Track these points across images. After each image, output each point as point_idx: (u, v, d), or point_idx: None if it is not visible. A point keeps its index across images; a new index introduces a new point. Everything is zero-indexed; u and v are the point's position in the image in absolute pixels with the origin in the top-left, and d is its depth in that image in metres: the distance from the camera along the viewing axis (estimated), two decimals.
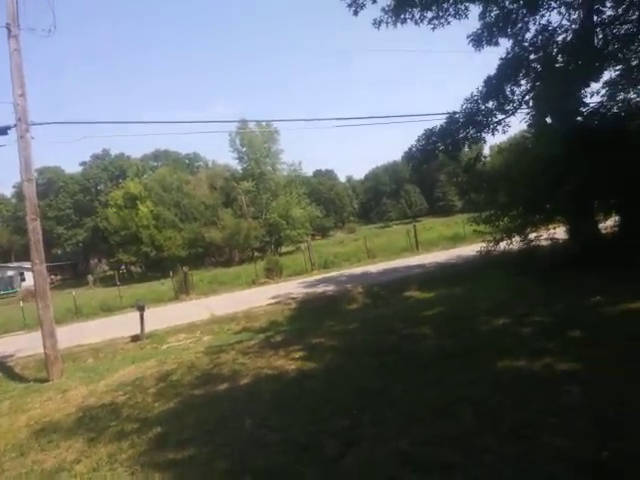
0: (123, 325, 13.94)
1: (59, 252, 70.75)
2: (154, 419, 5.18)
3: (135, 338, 12.10)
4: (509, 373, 4.72)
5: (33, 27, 9.64)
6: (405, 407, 4.30)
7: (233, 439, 4.26)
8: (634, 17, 9.77)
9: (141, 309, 12.03)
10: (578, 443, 3.20)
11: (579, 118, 10.46)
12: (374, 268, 20.32)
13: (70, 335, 12.97)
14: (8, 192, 73.26)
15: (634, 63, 9.90)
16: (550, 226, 11.27)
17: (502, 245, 11.39)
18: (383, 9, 11.31)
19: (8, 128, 9.25)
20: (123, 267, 55.75)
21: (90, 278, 50.09)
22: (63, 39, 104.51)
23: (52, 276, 52.05)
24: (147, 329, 12.16)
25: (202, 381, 6.48)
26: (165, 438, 4.57)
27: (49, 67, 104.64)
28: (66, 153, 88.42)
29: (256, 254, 50.05)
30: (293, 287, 17.84)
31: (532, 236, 11.12)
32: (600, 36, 10.35)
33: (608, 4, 10.29)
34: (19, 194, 55.78)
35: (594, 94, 10.67)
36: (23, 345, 12.97)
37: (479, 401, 4.12)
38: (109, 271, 57.65)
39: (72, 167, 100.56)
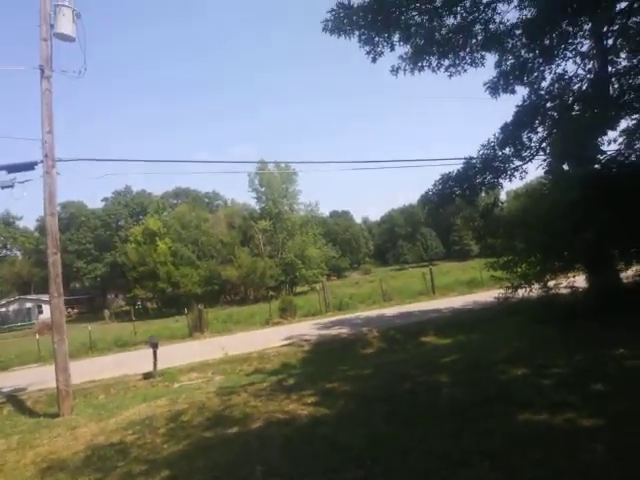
0: (136, 361, 13.93)
1: (77, 286, 71.79)
2: (163, 461, 5.10)
3: (147, 375, 12.06)
4: (528, 426, 4.54)
5: (65, 69, 10.11)
6: (419, 458, 4.15)
7: None
8: None
9: (154, 346, 12.04)
10: None
11: (597, 166, 10.47)
12: (390, 311, 20.12)
13: (83, 370, 12.99)
14: (31, 225, 75.41)
15: None
16: (569, 274, 11.08)
17: (520, 292, 11.20)
18: (401, 57, 11.63)
19: (35, 164, 9.62)
20: (139, 303, 56.14)
21: (106, 313, 50.44)
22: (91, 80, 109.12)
23: (69, 309, 52.64)
24: (160, 366, 12.12)
25: (213, 423, 6.39)
26: None
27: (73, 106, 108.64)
28: (89, 189, 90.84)
29: (271, 293, 49.96)
30: (307, 328, 17.71)
31: (551, 284, 10.93)
32: (616, 85, 10.50)
33: (623, 55, 10.51)
34: (41, 227, 57.16)
35: (611, 142, 10.73)
36: (36, 378, 13.01)
37: (496, 454, 3.97)
38: (125, 306, 58.01)
39: (94, 203, 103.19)
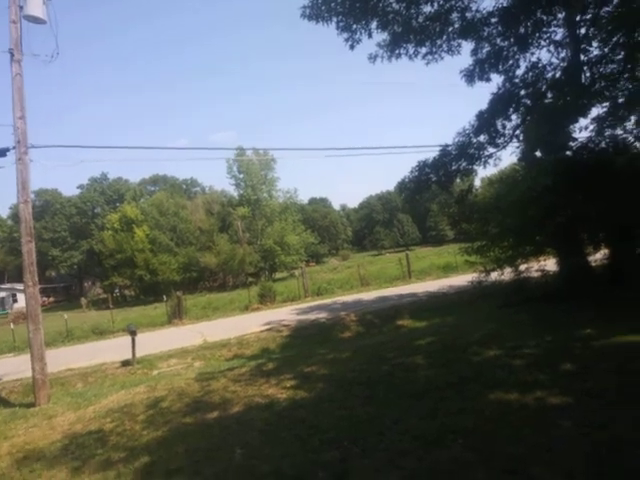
0: (114, 349, 13.83)
1: (53, 274, 70.32)
2: (142, 447, 5.11)
3: (126, 363, 11.99)
4: (500, 405, 4.71)
5: (36, 53, 9.80)
6: (396, 438, 4.28)
7: (222, 470, 4.23)
8: (620, 57, 10.12)
9: (133, 333, 11.96)
10: (570, 479, 3.21)
11: (568, 152, 10.71)
12: (367, 296, 20.33)
13: (60, 359, 12.85)
14: (4, 213, 73.28)
15: (620, 101, 10.19)
16: (541, 258, 11.39)
17: (493, 276, 11.48)
18: (379, 44, 11.66)
19: (7, 150, 9.33)
20: (117, 290, 55.44)
21: (83, 301, 49.70)
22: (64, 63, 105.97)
23: (45, 298, 51.72)
24: (138, 354, 12.06)
25: (192, 409, 6.42)
26: (153, 468, 4.52)
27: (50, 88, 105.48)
28: (64, 176, 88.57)
29: (250, 280, 49.87)
30: (286, 313, 17.80)
31: (523, 267, 11.22)
32: (587, 74, 10.69)
33: (595, 44, 10.68)
34: (15, 215, 55.70)
35: (583, 129, 10.94)
36: (11, 368, 12.82)
37: (470, 433, 4.12)
38: (103, 294, 57.18)
39: (70, 190, 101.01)
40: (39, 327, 9.25)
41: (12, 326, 21.10)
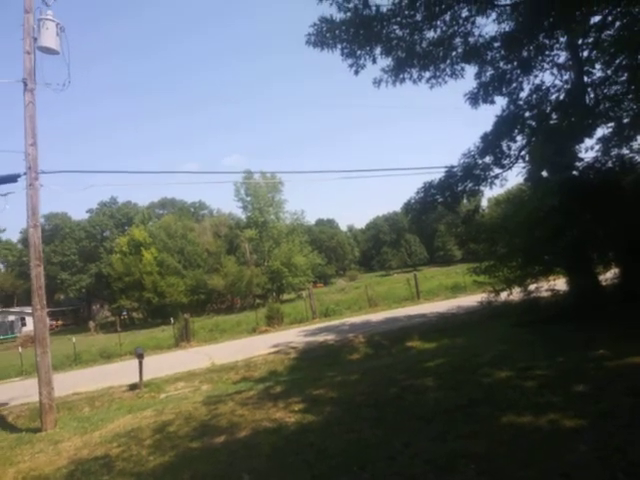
0: (122, 373, 13.79)
1: (62, 297, 70.59)
2: (148, 473, 5.06)
3: (133, 386, 11.93)
4: (513, 428, 4.62)
5: (49, 82, 10.06)
6: (406, 463, 4.20)
7: None
8: (623, 78, 10.23)
9: (140, 357, 11.92)
10: None
11: (574, 172, 10.74)
12: (375, 317, 20.17)
13: (67, 382, 12.82)
14: (14, 237, 74.09)
15: (625, 121, 10.28)
16: (550, 277, 11.31)
17: (503, 296, 11.40)
18: (383, 69, 11.82)
19: (18, 176, 9.50)
20: (125, 313, 55.50)
21: (91, 324, 49.77)
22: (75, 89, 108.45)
23: (53, 321, 51.80)
24: (146, 377, 12.00)
25: (200, 433, 6.36)
26: None
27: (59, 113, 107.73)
28: (73, 201, 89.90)
29: (257, 301, 49.91)
30: (294, 335, 17.69)
31: (532, 287, 11.15)
32: (592, 95, 10.80)
33: (598, 66, 10.82)
34: (25, 239, 56.33)
35: (589, 149, 11.03)
36: (18, 393, 12.79)
37: (482, 457, 4.03)
38: (111, 317, 57.30)
39: (79, 214, 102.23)
40: (47, 351, 9.26)
41: (20, 350, 21.16)
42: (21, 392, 12.64)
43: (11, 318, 54.97)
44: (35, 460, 6.66)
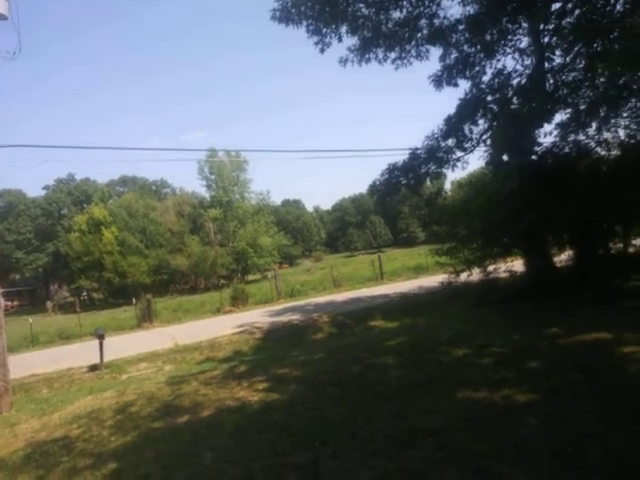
0: (82, 354, 13.48)
1: (17, 277, 67.92)
2: (110, 454, 5.01)
3: (93, 368, 11.72)
4: (469, 404, 4.80)
5: None
6: (367, 438, 4.32)
7: (192, 475, 4.17)
8: (581, 65, 10.52)
9: (101, 337, 11.70)
10: (536, 476, 3.30)
11: (533, 157, 11.04)
12: (340, 297, 20.42)
13: (24, 364, 12.45)
14: None
15: (582, 107, 10.59)
16: (509, 259, 11.69)
17: (463, 276, 11.72)
18: (349, 48, 11.79)
19: None
20: (84, 294, 53.92)
21: (49, 305, 48.19)
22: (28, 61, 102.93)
23: (8, 302, 49.90)
24: (107, 358, 11.79)
25: (162, 413, 6.31)
26: (120, 474, 4.43)
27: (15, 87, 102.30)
28: (29, 177, 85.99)
29: (222, 282, 49.45)
30: (259, 316, 17.71)
31: (491, 268, 11.50)
32: (551, 81, 11.08)
33: (558, 52, 11.07)
34: None
35: (547, 134, 11.32)
36: None
37: (440, 432, 4.18)
38: (70, 298, 55.65)
39: (35, 191, 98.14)
40: (1, 332, 8.98)
41: None
42: None
43: None
44: None
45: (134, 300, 22.99)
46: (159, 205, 60.06)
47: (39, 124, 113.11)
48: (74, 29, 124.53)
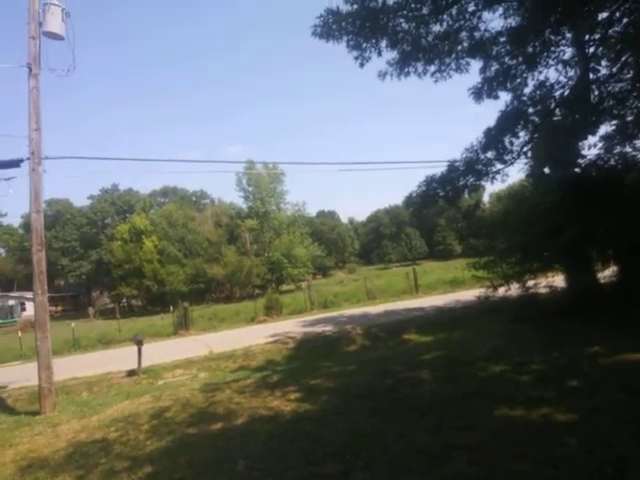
0: (120, 359, 13.87)
1: (62, 283, 70.87)
2: (145, 457, 5.12)
3: (131, 373, 12.03)
4: (506, 421, 4.66)
5: (53, 67, 10.01)
6: (400, 452, 4.25)
7: None
8: (628, 76, 10.17)
9: (139, 343, 12.01)
10: None
11: (577, 169, 10.72)
12: (374, 309, 20.25)
13: (66, 367, 12.91)
14: (16, 222, 74.18)
15: (629, 119, 10.24)
16: (549, 274, 11.34)
17: (501, 291, 11.43)
18: (388, 62, 11.79)
19: (21, 161, 9.51)
20: (124, 300, 55.68)
21: (91, 310, 49.93)
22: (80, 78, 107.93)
23: (53, 307, 51.99)
24: (144, 364, 12.09)
25: (196, 419, 6.42)
26: (156, 478, 4.53)
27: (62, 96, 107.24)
28: (75, 187, 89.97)
29: (257, 291, 50.05)
30: (292, 326, 17.77)
31: (530, 283, 11.17)
32: (596, 92, 10.74)
33: (603, 63, 10.75)
34: (26, 224, 56.38)
35: (592, 147, 10.96)
36: (17, 376, 12.88)
37: (475, 448, 4.07)
38: (110, 304, 57.51)
39: (81, 200, 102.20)
40: (47, 335, 9.33)
41: (20, 334, 21.28)
42: (20, 376, 12.73)
43: (11, 302, 55.17)
44: (34, 442, 6.74)
45: (171, 308, 23.53)
46: (198, 215, 61.52)
47: (85, 135, 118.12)
48: (121, 41, 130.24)
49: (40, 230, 9.52)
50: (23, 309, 52.80)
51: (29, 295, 42.17)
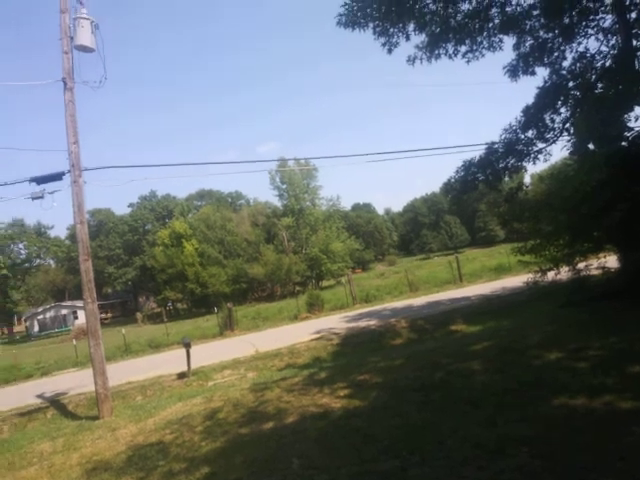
0: (170, 362, 14.23)
1: (109, 291, 73.49)
2: (202, 458, 5.22)
3: (181, 375, 12.30)
4: (566, 411, 4.48)
5: (86, 80, 10.30)
6: (455, 446, 4.16)
7: None
8: None
9: (187, 346, 12.25)
10: None
11: (624, 143, 10.17)
12: (417, 301, 20.00)
13: (120, 372, 13.35)
14: (62, 233, 77.53)
15: None
16: (600, 254, 10.82)
17: (550, 275, 11.01)
18: (417, 46, 11.56)
19: (63, 174, 9.86)
20: (170, 304, 57.19)
21: (138, 315, 51.58)
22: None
23: (103, 314, 54.05)
24: (193, 366, 12.35)
25: (248, 419, 6.50)
26: (213, 478, 4.61)
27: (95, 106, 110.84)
28: (115, 196, 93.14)
29: (297, 288, 50.40)
30: (335, 322, 17.77)
31: (581, 265, 10.70)
32: None
33: None
34: (72, 236, 58.69)
35: (638, 118, 10.40)
36: (75, 382, 13.43)
37: (534, 441, 3.93)
38: (157, 308, 59.30)
39: (122, 209, 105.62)
40: (99, 342, 9.67)
41: (74, 342, 22.21)
42: (77, 382, 13.26)
43: (64, 312, 57.69)
44: (96, 446, 7.01)
45: (215, 309, 23.97)
46: (235, 216, 62.41)
47: (121, 143, 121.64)
48: (153, 47, 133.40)
49: (85, 240, 9.85)
50: (75, 317, 55.09)
51: (80, 304, 43.92)
